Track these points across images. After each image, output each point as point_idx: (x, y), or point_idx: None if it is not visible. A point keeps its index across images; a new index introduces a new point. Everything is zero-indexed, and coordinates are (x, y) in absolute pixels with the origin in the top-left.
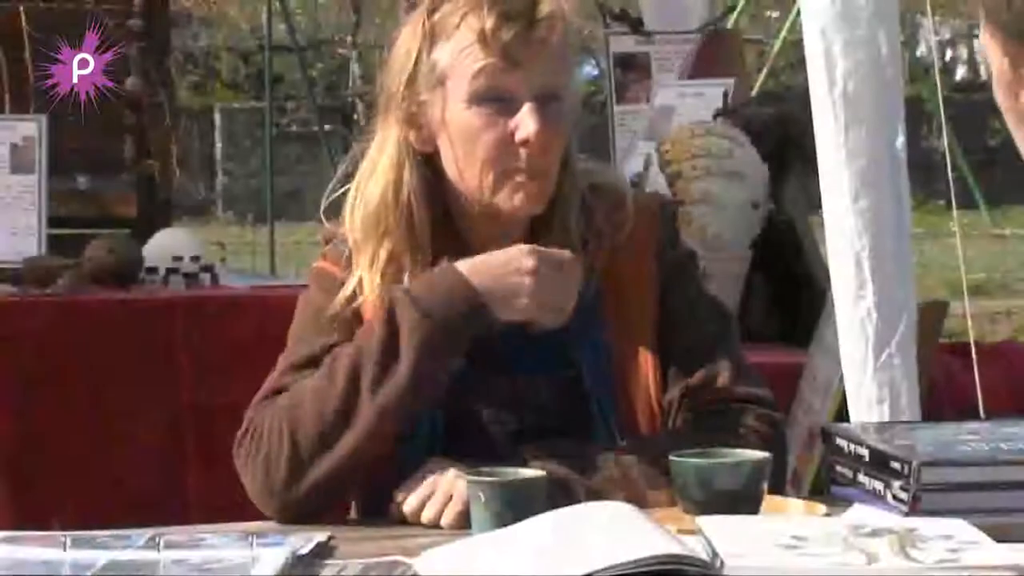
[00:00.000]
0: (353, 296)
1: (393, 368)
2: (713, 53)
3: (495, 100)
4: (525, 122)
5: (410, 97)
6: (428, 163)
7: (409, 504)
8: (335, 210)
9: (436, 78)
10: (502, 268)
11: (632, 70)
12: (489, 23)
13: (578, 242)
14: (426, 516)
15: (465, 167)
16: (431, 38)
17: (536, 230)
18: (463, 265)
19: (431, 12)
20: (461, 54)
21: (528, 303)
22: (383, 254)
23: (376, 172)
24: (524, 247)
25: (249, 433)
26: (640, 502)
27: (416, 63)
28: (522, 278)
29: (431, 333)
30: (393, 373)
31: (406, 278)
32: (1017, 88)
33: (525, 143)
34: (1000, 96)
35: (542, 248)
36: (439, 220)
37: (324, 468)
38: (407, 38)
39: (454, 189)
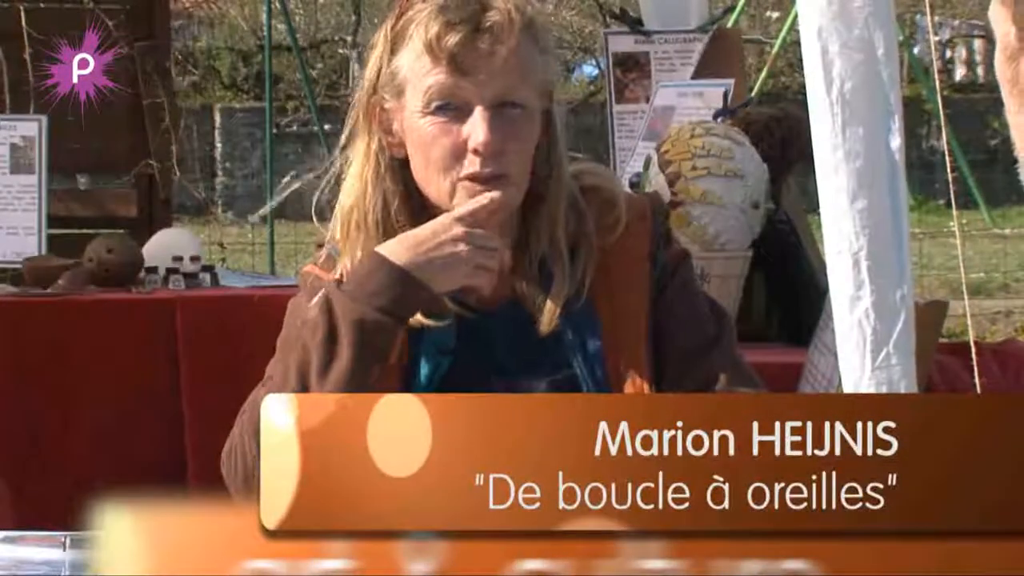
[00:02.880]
0: None
1: (335, 359)
2: (713, 52)
3: (447, 109)
4: (475, 130)
5: (379, 104)
6: (405, 167)
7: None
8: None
9: (396, 87)
10: (432, 241)
11: (632, 70)
12: (433, 31)
13: (567, 245)
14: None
15: (426, 174)
16: (392, 46)
17: (524, 234)
18: (389, 246)
19: (396, 20)
20: (415, 64)
21: (467, 270)
22: (362, 257)
23: (353, 177)
24: (449, 215)
25: (226, 445)
26: None
27: (380, 71)
28: (456, 247)
29: (365, 319)
30: (336, 364)
31: None
32: (1019, 57)
33: (475, 151)
34: (1001, 66)
35: (466, 213)
36: (420, 222)
37: None
38: (376, 45)
39: (424, 193)
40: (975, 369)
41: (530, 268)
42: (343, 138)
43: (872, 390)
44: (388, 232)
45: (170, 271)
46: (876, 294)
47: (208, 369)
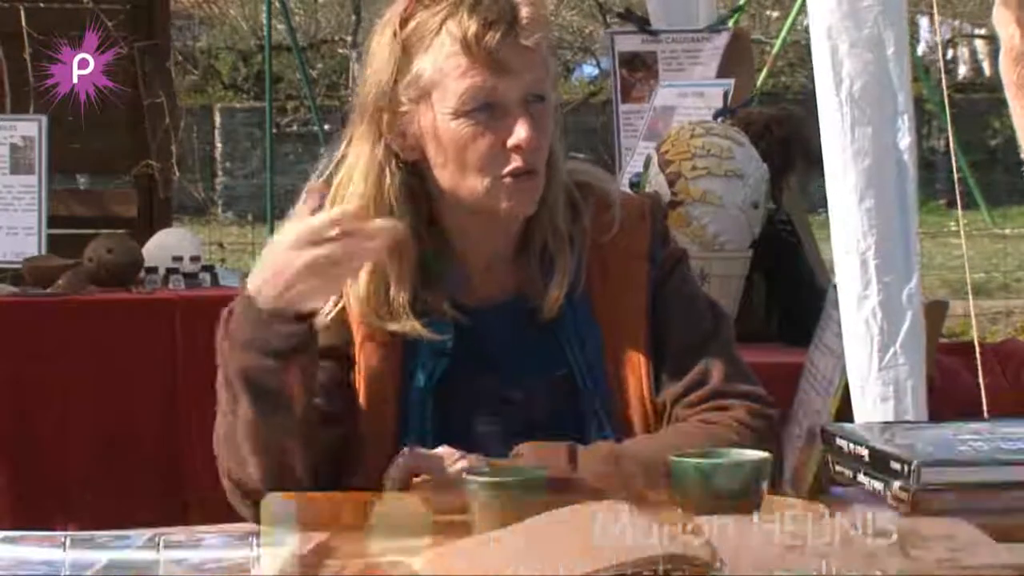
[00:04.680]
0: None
1: (238, 405)
2: (727, 52)
3: (484, 108)
4: (516, 128)
5: (390, 107)
6: (411, 170)
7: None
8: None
9: (420, 89)
10: (286, 269)
11: (638, 69)
12: (472, 30)
13: (567, 239)
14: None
15: (458, 175)
16: (408, 48)
17: (528, 229)
18: (255, 279)
19: (405, 21)
20: (445, 64)
21: (325, 288)
22: (366, 265)
23: (354, 182)
24: (301, 231)
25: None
26: (640, 501)
27: (395, 74)
28: (304, 266)
29: (247, 367)
30: (240, 410)
31: (392, 289)
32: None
33: (517, 148)
34: (1005, 68)
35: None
36: (424, 226)
37: (261, 473)
38: (382, 47)
39: (442, 194)
40: (979, 369)
41: (532, 260)
42: (343, 144)
43: (879, 389)
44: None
45: (170, 271)
46: (884, 293)
47: (208, 369)
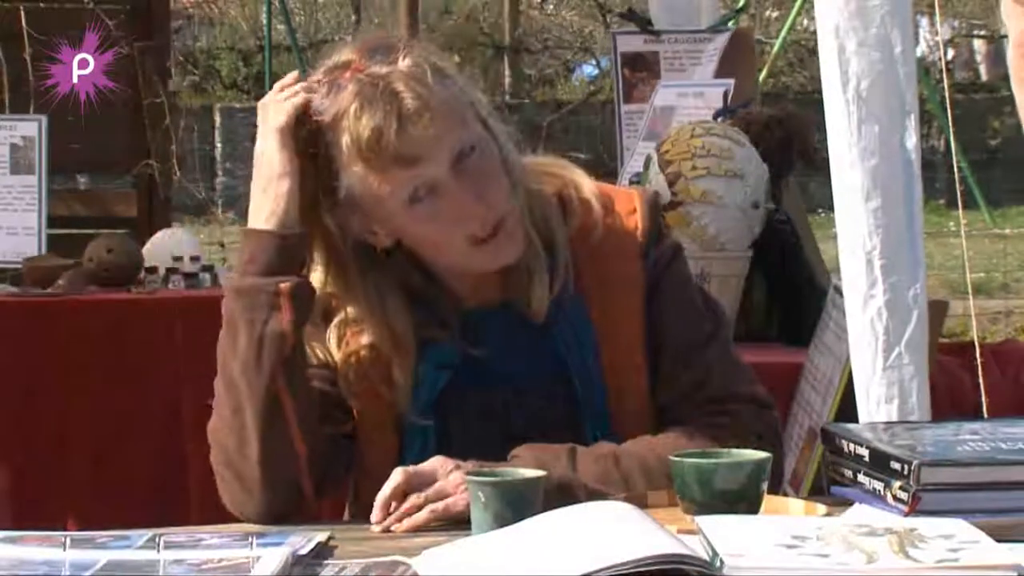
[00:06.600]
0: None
1: (236, 332)
2: (729, 52)
3: (422, 194)
4: (460, 196)
5: (348, 217)
6: (394, 250)
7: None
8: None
9: (360, 205)
10: (266, 185)
11: (640, 69)
12: (365, 141)
13: (539, 242)
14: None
15: (434, 252)
16: (322, 170)
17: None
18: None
19: (306, 141)
20: (363, 182)
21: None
22: (363, 352)
23: (334, 284)
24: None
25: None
26: (640, 502)
27: (325, 191)
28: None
29: (239, 287)
30: (239, 338)
31: (395, 370)
32: None
33: (471, 215)
34: (1014, 62)
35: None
36: (420, 284)
37: (253, 462)
38: (289, 163)
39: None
40: (979, 369)
41: (516, 266)
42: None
43: (883, 390)
44: (388, 327)
45: (170, 271)
46: (889, 293)
47: (208, 369)
